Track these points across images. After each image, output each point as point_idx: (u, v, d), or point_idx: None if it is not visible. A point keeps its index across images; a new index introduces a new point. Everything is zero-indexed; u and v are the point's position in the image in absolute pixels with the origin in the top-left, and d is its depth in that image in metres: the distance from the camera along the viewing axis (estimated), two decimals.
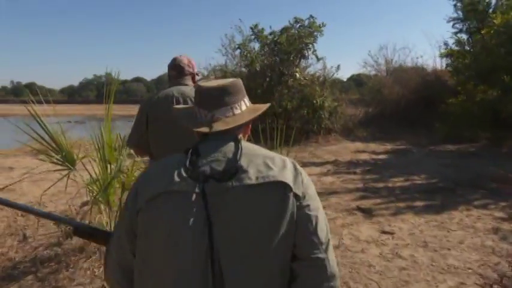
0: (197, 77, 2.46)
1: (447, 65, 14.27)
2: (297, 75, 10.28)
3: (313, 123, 10.41)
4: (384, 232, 4.15)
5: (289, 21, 10.27)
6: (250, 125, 1.11)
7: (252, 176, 0.92)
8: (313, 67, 11.58)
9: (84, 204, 2.90)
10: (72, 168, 2.84)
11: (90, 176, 2.92)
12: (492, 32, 9.84)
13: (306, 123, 10.85)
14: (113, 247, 1.02)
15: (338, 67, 11.18)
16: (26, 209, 1.36)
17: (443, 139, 10.97)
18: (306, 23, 10.13)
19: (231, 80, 1.06)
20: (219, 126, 0.98)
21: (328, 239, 0.98)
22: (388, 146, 10.40)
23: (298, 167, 1.01)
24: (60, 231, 3.20)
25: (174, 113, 1.12)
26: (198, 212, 0.88)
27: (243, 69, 11.49)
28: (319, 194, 1.05)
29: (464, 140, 10.61)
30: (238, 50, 10.52)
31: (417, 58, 16.90)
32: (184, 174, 0.92)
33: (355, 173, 7.23)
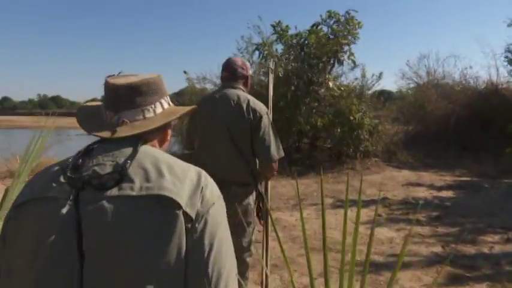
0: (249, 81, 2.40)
1: None
2: (330, 84, 8.12)
3: (350, 145, 8.18)
4: None
5: (320, 15, 8.16)
6: (168, 132, 0.94)
7: (136, 186, 0.75)
8: (345, 76, 9.43)
9: None
10: None
11: None
12: None
13: (338, 145, 8.64)
14: None
15: (380, 76, 8.97)
16: None
17: None
18: (343, 19, 8.00)
19: (146, 76, 0.89)
20: (123, 132, 0.83)
21: (226, 283, 0.75)
22: (447, 177, 8.04)
23: (205, 179, 0.82)
24: None
25: (78, 112, 0.93)
26: (66, 222, 0.72)
27: (262, 77, 9.44)
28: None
29: None
30: (257, 53, 8.44)
31: (465, 69, 14.45)
32: (62, 180, 0.77)
33: (419, 221, 4.98)
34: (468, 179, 7.94)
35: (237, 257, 1.18)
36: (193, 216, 0.74)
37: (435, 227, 4.74)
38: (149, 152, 0.82)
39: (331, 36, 8.11)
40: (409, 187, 7.02)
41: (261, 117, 2.21)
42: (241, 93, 2.27)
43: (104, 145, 0.82)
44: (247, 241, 2.29)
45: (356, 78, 9.20)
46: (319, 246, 4.03)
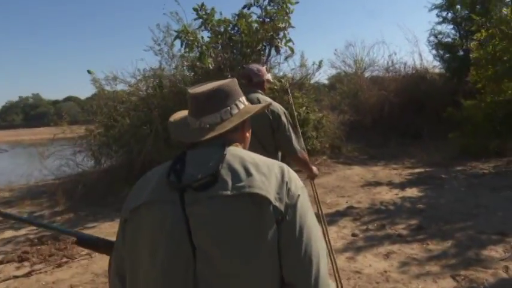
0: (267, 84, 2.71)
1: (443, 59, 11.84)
2: (269, 76, 6.96)
3: None
4: None
5: None
6: (246, 131, 1.02)
7: (229, 186, 0.83)
8: (280, 67, 8.37)
9: None
10: None
11: None
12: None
13: None
14: (113, 256, 0.98)
15: (320, 64, 8.03)
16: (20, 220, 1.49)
17: (461, 154, 8.30)
18: None
19: (220, 82, 0.99)
20: (205, 135, 0.92)
21: (319, 268, 0.83)
22: (402, 171, 7.41)
23: (288, 174, 0.88)
24: None
25: (169, 124, 1.03)
26: (176, 221, 0.83)
27: (187, 72, 7.95)
28: None
29: (490, 154, 7.95)
30: (178, 42, 6.93)
31: (391, 55, 14.32)
32: (166, 185, 0.87)
33: (402, 236, 4.05)
34: (422, 170, 7.39)
35: None
36: (283, 209, 0.82)
37: (424, 243, 3.84)
38: (236, 153, 0.89)
39: (266, 20, 6.93)
40: (369, 188, 6.17)
41: (279, 116, 2.44)
42: (260, 96, 2.50)
43: (198, 150, 0.91)
44: None
45: (293, 69, 8.18)
46: None
